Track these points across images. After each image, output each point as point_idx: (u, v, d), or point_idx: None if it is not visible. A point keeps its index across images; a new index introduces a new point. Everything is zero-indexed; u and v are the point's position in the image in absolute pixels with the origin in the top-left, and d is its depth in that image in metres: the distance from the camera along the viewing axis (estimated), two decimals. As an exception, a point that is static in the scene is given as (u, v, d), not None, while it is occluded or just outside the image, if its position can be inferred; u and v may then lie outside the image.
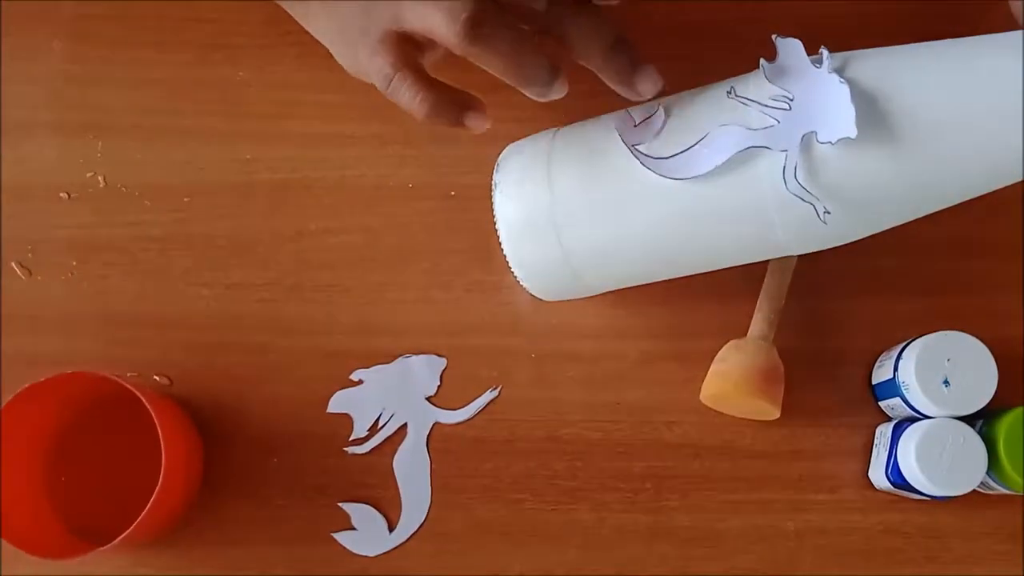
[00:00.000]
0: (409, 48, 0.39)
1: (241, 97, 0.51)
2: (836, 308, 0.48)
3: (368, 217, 0.50)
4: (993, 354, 0.43)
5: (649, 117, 0.38)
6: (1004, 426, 0.42)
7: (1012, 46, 0.32)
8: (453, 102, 0.38)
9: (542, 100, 0.39)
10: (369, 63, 0.39)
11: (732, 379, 0.44)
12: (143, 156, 0.50)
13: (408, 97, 0.38)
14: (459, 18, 0.35)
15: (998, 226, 0.49)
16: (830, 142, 0.34)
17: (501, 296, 0.48)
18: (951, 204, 0.36)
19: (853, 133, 0.33)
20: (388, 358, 0.48)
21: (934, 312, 0.48)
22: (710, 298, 0.48)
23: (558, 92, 0.38)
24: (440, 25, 0.36)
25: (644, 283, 0.44)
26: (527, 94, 0.39)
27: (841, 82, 0.34)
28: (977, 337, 0.44)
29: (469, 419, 0.47)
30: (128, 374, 0.48)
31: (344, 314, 0.49)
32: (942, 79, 0.32)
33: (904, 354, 0.44)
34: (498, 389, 0.48)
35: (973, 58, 0.32)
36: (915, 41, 0.35)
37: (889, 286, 0.48)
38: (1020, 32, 0.32)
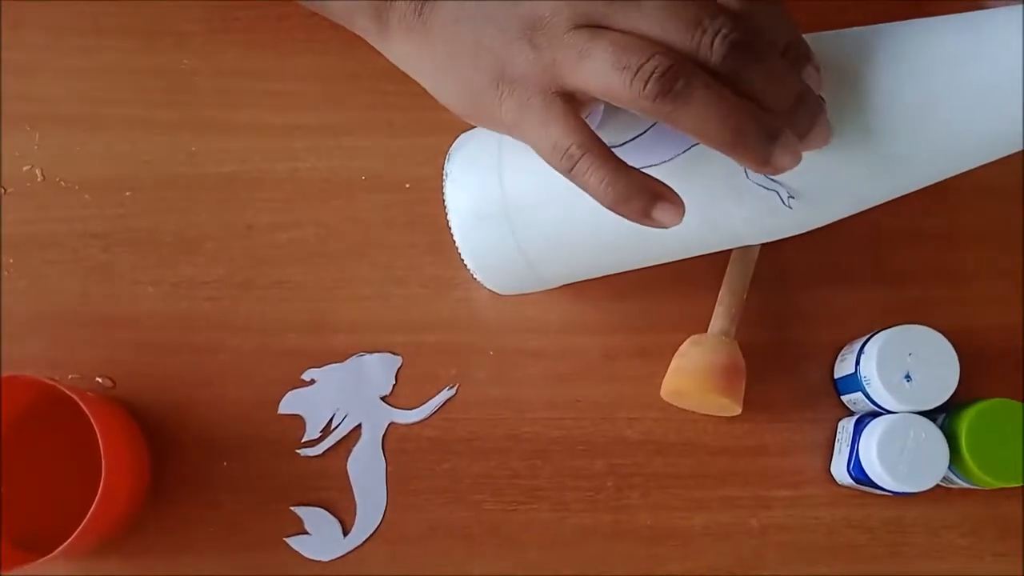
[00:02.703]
0: (577, 111, 0.33)
1: (186, 86, 0.49)
2: (798, 300, 0.48)
3: (320, 211, 0.48)
4: (955, 346, 0.43)
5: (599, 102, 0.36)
6: (966, 420, 0.42)
7: (977, 25, 0.31)
8: (644, 189, 0.32)
9: (768, 169, 0.31)
10: (525, 127, 0.33)
11: (692, 376, 0.44)
12: (83, 148, 0.48)
13: (595, 181, 0.32)
14: (647, 74, 0.30)
15: (959, 216, 0.48)
16: None
17: (458, 291, 0.47)
18: (918, 188, 0.35)
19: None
20: (341, 357, 0.47)
21: (896, 303, 0.47)
22: (671, 291, 0.47)
23: (785, 151, 0.30)
24: (620, 84, 0.30)
25: (601, 275, 0.43)
26: (744, 163, 0.31)
27: (813, 69, 0.32)
28: (939, 328, 0.43)
29: (426, 419, 0.46)
30: (69, 376, 0.46)
31: (296, 312, 0.47)
32: (910, 59, 0.31)
33: (866, 348, 0.43)
34: (456, 387, 0.47)
35: (944, 36, 0.31)
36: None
37: (851, 277, 0.48)
38: (988, 11, 0.31)
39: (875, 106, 0.32)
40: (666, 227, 0.32)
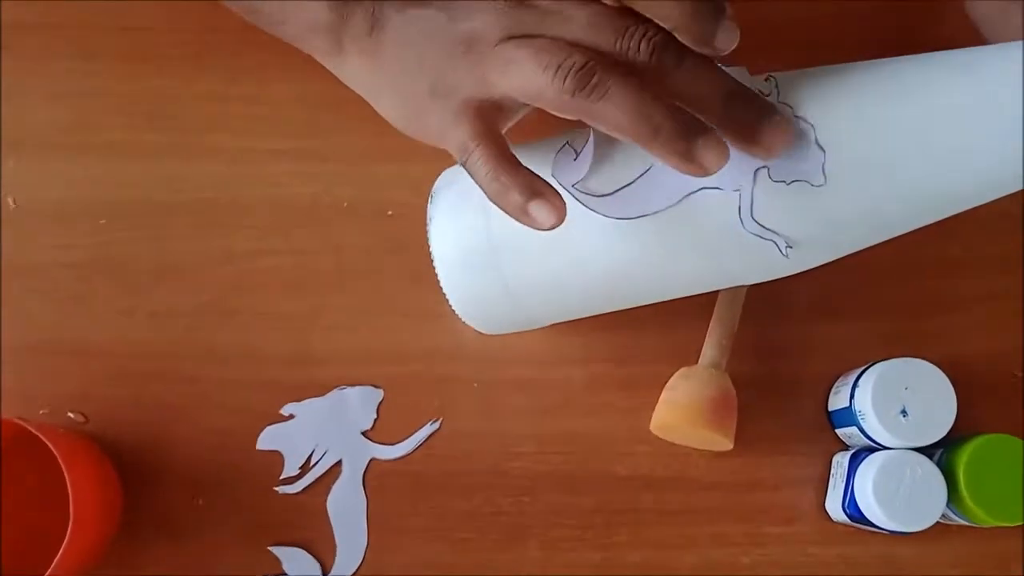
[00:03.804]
0: (493, 117, 0.34)
1: (167, 111, 0.48)
2: (790, 330, 0.46)
3: (301, 238, 0.47)
4: (951, 377, 0.42)
5: (587, 143, 0.35)
6: (964, 457, 0.40)
7: (973, 64, 0.30)
8: (526, 186, 0.32)
9: (692, 167, 0.31)
10: (446, 134, 0.34)
11: (682, 410, 0.42)
12: (59, 174, 0.47)
13: (482, 172, 0.33)
14: (566, 71, 0.31)
15: (953, 245, 0.47)
16: (784, 182, 0.32)
17: (442, 322, 0.46)
18: (922, 225, 0.34)
19: (820, 180, 0.31)
20: (322, 390, 0.45)
21: (889, 332, 0.46)
22: (660, 322, 0.45)
23: (708, 148, 0.30)
24: (541, 84, 0.32)
25: (593, 315, 0.42)
26: (667, 159, 0.31)
27: (805, 121, 0.31)
28: (934, 357, 0.42)
29: (408, 454, 0.45)
30: (40, 411, 0.45)
31: (275, 342, 0.46)
32: (905, 100, 0.30)
33: (860, 382, 0.42)
34: (439, 421, 0.45)
35: (933, 76, 0.30)
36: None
37: (843, 307, 0.47)
38: (986, 48, 0.30)
39: (874, 148, 0.31)
40: (543, 228, 0.32)
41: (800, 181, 0.32)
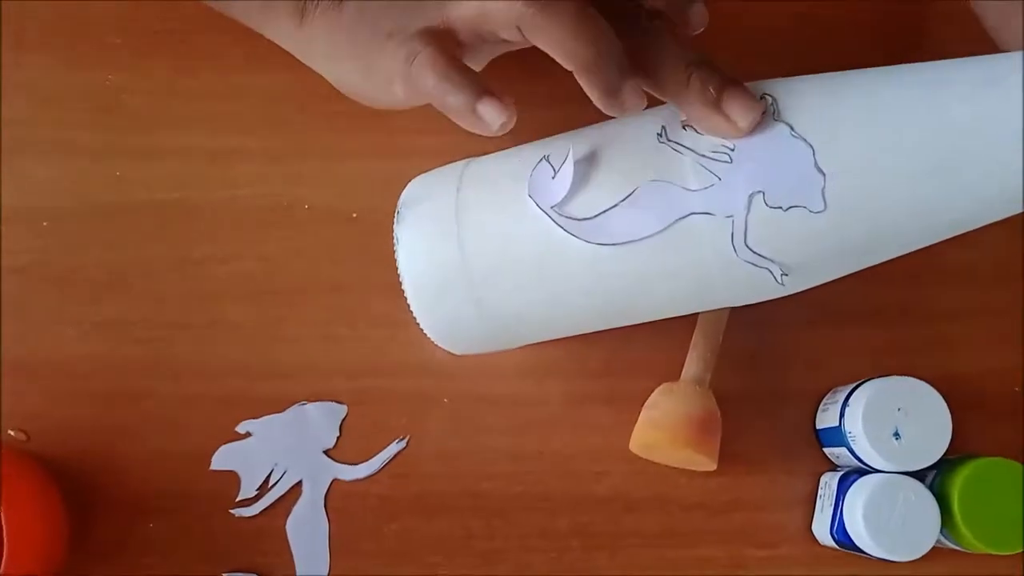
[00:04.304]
0: (448, 41, 0.34)
1: (112, 105, 0.45)
2: (776, 343, 0.44)
3: (260, 243, 0.44)
4: (945, 394, 0.40)
5: (566, 158, 0.33)
6: (959, 481, 0.38)
7: (980, 79, 0.27)
8: (475, 84, 0.32)
9: (612, 103, 0.31)
10: (398, 68, 0.34)
11: (664, 429, 0.40)
12: (-3, 174, 0.44)
13: (428, 76, 0.32)
14: None
15: (950, 253, 0.45)
16: (781, 208, 0.29)
17: (410, 332, 0.42)
18: (917, 249, 0.32)
19: (820, 206, 0.29)
20: (281, 405, 0.43)
21: (881, 345, 0.44)
22: (641, 334, 0.42)
23: (632, 93, 0.31)
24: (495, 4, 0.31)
25: (577, 334, 0.39)
26: (594, 90, 0.31)
27: (803, 142, 0.29)
28: (927, 373, 0.40)
29: (373, 474, 0.42)
30: (-23, 430, 0.42)
31: (232, 355, 0.43)
32: (910, 121, 0.28)
33: (851, 401, 0.40)
34: (406, 439, 0.43)
35: (938, 94, 0.28)
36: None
37: (831, 319, 0.44)
38: (993, 57, 0.28)
39: (877, 171, 0.29)
40: (491, 129, 0.31)
41: (798, 207, 0.29)
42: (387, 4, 0.35)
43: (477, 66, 0.38)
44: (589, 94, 0.31)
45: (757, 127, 0.30)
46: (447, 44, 0.34)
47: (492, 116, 0.31)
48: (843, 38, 0.47)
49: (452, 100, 0.32)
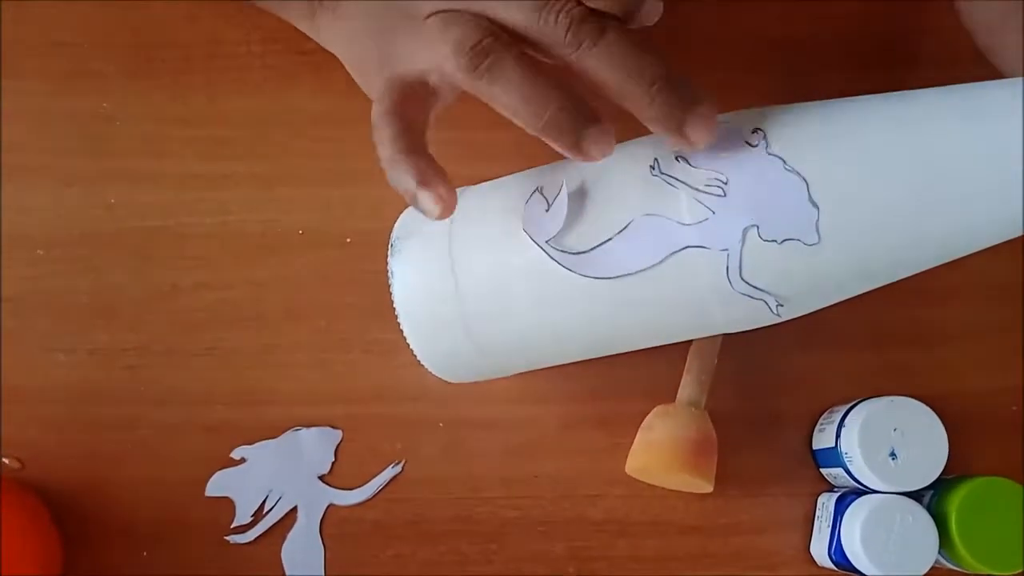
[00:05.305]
0: (418, 95, 0.34)
1: (105, 132, 0.45)
2: (772, 364, 0.44)
3: (252, 269, 0.44)
4: (942, 413, 0.39)
5: (560, 192, 0.32)
6: (956, 501, 0.38)
7: (975, 108, 0.27)
8: (416, 173, 0.31)
9: (579, 157, 0.30)
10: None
11: (659, 452, 0.40)
12: (-11, 202, 0.44)
13: (383, 153, 0.32)
14: (464, 49, 0.31)
15: (948, 272, 0.44)
16: (775, 241, 0.30)
17: (404, 357, 0.42)
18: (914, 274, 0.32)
19: (814, 239, 0.29)
20: (275, 432, 0.42)
21: (877, 365, 0.44)
22: (636, 357, 0.42)
23: (596, 142, 0.30)
24: (441, 59, 0.32)
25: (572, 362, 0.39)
26: (557, 147, 0.31)
27: (797, 176, 0.29)
28: (924, 393, 0.40)
29: (368, 499, 0.42)
30: (-30, 459, 0.42)
31: (225, 382, 0.43)
32: (905, 152, 0.28)
33: (847, 421, 0.40)
34: (401, 464, 0.42)
35: (934, 124, 0.28)
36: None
37: (828, 339, 0.44)
38: (983, 86, 0.28)
39: (871, 203, 0.29)
40: (431, 217, 0.31)
41: (792, 240, 0.29)
42: (372, 30, 0.35)
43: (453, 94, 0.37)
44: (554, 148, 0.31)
45: (750, 163, 0.30)
46: (409, 111, 0.33)
47: (429, 207, 0.31)
48: (822, 53, 0.47)
49: (396, 184, 0.32)
